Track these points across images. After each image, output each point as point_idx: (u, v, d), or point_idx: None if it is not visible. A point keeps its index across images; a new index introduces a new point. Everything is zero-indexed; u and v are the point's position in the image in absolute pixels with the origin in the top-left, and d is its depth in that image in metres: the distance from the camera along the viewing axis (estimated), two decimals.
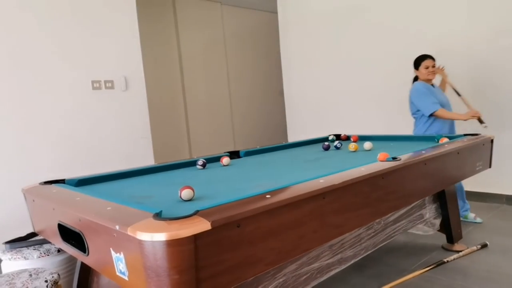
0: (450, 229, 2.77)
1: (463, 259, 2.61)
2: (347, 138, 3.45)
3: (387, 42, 4.40)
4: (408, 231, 2.58)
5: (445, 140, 2.68)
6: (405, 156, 2.10)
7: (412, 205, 2.52)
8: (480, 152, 2.67)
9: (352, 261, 2.10)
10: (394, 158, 2.02)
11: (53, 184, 2.07)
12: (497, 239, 2.89)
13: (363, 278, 2.45)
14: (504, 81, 3.61)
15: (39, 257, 2.16)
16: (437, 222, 2.78)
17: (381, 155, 2.05)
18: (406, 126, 4.31)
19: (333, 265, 2.00)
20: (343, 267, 2.05)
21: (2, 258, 2.20)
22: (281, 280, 1.71)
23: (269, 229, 1.33)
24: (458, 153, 2.39)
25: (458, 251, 2.68)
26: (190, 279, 1.11)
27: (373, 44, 4.52)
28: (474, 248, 2.73)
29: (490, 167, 2.80)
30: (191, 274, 1.11)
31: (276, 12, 5.62)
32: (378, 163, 1.94)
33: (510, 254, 2.65)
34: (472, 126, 3.22)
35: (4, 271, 2.22)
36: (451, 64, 3.87)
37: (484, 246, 2.78)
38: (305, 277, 1.84)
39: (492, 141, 2.78)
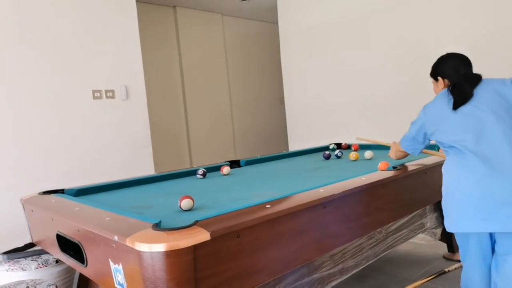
0: (451, 238, 2.75)
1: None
2: (348, 147, 3.44)
3: (387, 51, 4.42)
4: (409, 240, 2.56)
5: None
6: (405, 165, 2.10)
7: (413, 214, 2.50)
8: None
9: (354, 271, 2.08)
10: (394, 167, 2.02)
11: (52, 194, 2.06)
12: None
13: None
14: None
15: (37, 268, 2.14)
16: (438, 231, 2.76)
17: (381, 164, 2.04)
18: None
19: (334, 275, 1.98)
20: (345, 277, 2.03)
21: (0, 269, 2.18)
22: None
23: (269, 239, 1.31)
24: None
25: (459, 261, 2.65)
26: None
27: (373, 53, 4.54)
28: None
29: None
30: (190, 286, 1.10)
31: (276, 23, 5.66)
32: (379, 172, 1.94)
33: None
34: None
35: (1, 283, 2.19)
36: None
37: None
38: None
39: None
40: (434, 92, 1.89)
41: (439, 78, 1.74)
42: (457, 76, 1.65)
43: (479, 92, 1.56)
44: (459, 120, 1.56)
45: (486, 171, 1.47)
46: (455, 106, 1.57)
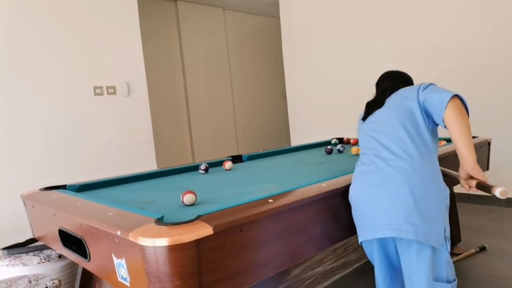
0: (451, 231, 2.75)
1: (462, 262, 2.59)
2: (350, 141, 3.44)
3: (389, 46, 4.40)
4: None
5: (443, 143, 2.67)
6: None
7: None
8: (478, 154, 2.64)
9: (356, 265, 2.09)
10: None
11: (54, 190, 2.06)
12: (496, 242, 2.88)
13: (367, 282, 2.42)
14: (500, 83, 3.59)
15: (39, 263, 2.14)
16: None
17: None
18: None
19: (337, 269, 1.98)
20: (347, 271, 2.03)
21: (0, 264, 2.17)
22: (284, 284, 1.69)
23: (272, 233, 1.31)
24: (456, 156, 2.38)
25: (457, 254, 2.66)
26: (193, 284, 1.10)
27: (375, 48, 4.52)
28: (473, 250, 2.72)
29: (487, 169, 2.79)
30: (194, 280, 1.10)
31: (278, 17, 5.63)
32: None
33: (509, 257, 2.63)
34: None
35: (1, 278, 2.19)
36: (446, 66, 3.87)
37: (483, 249, 2.77)
38: (309, 281, 1.83)
39: (489, 143, 2.76)
40: None
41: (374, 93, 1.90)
42: (377, 92, 1.82)
43: (388, 102, 1.65)
44: (364, 129, 1.67)
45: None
46: (363, 118, 1.72)
